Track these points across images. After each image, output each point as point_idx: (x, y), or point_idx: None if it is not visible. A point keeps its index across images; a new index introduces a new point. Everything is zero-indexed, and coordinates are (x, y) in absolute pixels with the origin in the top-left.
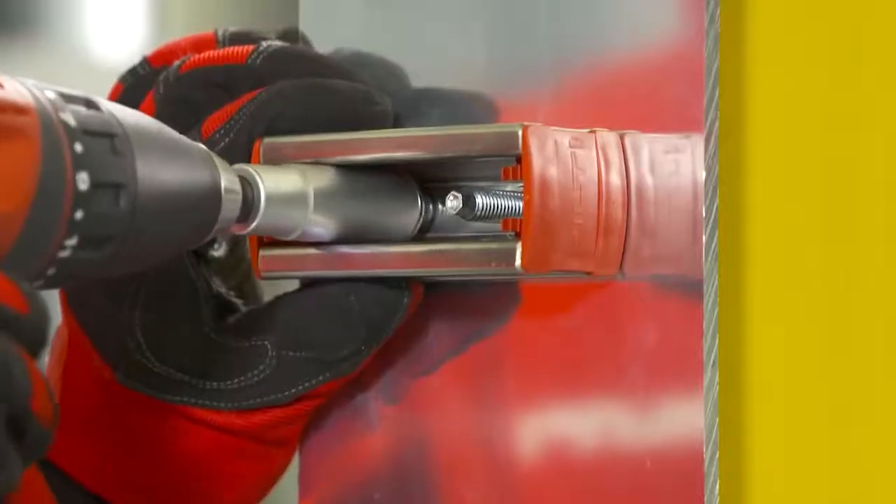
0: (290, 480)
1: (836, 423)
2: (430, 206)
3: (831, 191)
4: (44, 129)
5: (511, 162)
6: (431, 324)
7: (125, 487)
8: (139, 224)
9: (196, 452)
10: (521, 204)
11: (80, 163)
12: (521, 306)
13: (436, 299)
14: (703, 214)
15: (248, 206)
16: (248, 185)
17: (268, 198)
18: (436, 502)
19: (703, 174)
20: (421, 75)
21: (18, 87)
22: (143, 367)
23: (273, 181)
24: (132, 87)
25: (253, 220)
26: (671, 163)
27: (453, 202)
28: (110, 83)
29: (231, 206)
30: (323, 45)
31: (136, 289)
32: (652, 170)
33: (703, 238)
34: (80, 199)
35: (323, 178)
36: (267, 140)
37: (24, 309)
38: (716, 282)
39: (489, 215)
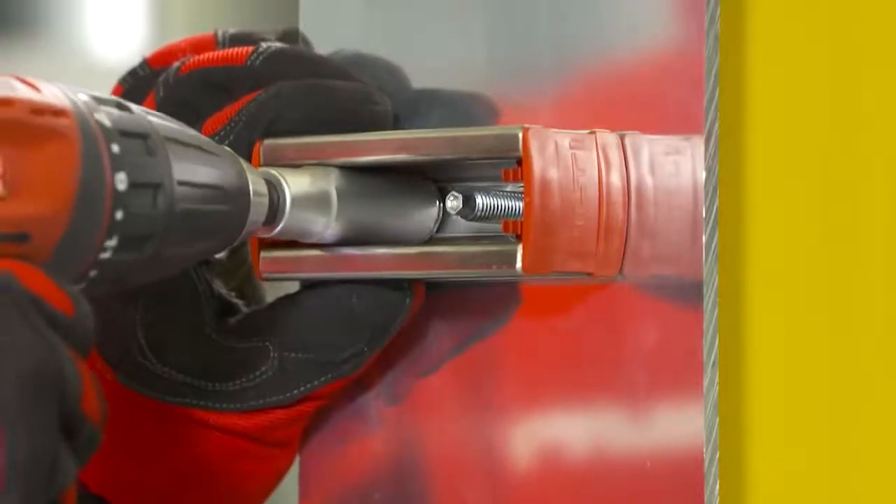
0: (290, 481)
1: (835, 423)
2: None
3: (831, 191)
4: (82, 131)
5: (512, 164)
6: (431, 324)
7: (127, 488)
8: (176, 224)
9: (198, 454)
10: (522, 204)
11: (118, 163)
12: (521, 307)
13: (436, 300)
14: (704, 215)
15: (275, 208)
16: (273, 187)
17: (293, 200)
18: (435, 503)
19: (704, 175)
20: (421, 75)
21: (54, 90)
22: (144, 368)
23: (297, 184)
24: (132, 89)
25: (279, 223)
26: (671, 163)
27: (453, 202)
28: (110, 83)
29: (259, 208)
30: (323, 45)
31: (138, 290)
32: (652, 170)
33: (704, 238)
34: (119, 200)
35: (346, 181)
36: (267, 142)
37: (71, 311)
38: (716, 282)
39: (489, 216)
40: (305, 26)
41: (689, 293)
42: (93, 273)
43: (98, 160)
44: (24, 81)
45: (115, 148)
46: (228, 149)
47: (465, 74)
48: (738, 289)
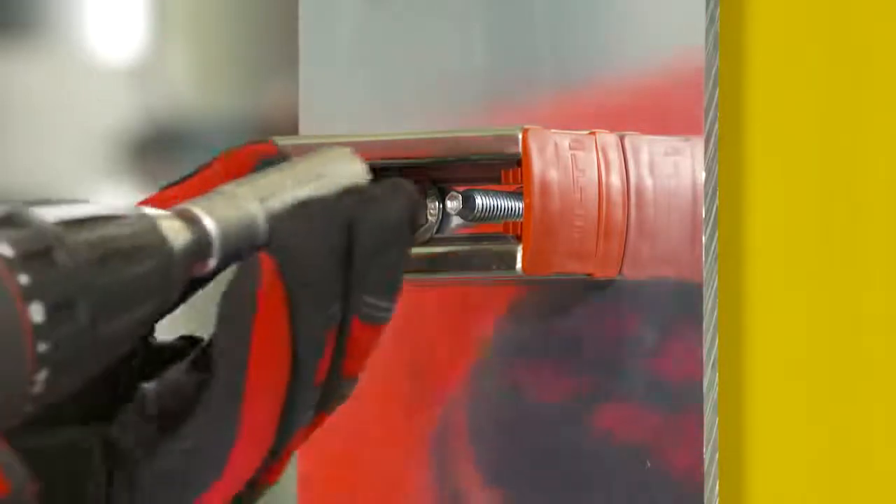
0: (290, 482)
1: (835, 423)
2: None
3: (831, 191)
4: None
5: (512, 164)
6: (431, 324)
7: None
8: (104, 331)
9: None
10: (521, 205)
11: (28, 295)
12: (520, 307)
13: (436, 300)
14: (703, 215)
15: (203, 250)
16: (196, 229)
17: (223, 236)
18: (435, 503)
19: (703, 175)
20: (421, 75)
21: None
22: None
23: (222, 215)
24: None
25: (210, 261)
26: (671, 164)
27: (453, 202)
28: (110, 83)
29: (185, 259)
30: (323, 44)
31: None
32: (652, 171)
33: (703, 239)
34: (39, 333)
35: (280, 199)
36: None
37: (5, 490)
38: (716, 282)
39: (489, 216)
40: (305, 25)
41: (688, 293)
42: (28, 408)
43: (8, 303)
44: None
45: (23, 279)
46: (136, 207)
47: (465, 75)
48: (738, 289)
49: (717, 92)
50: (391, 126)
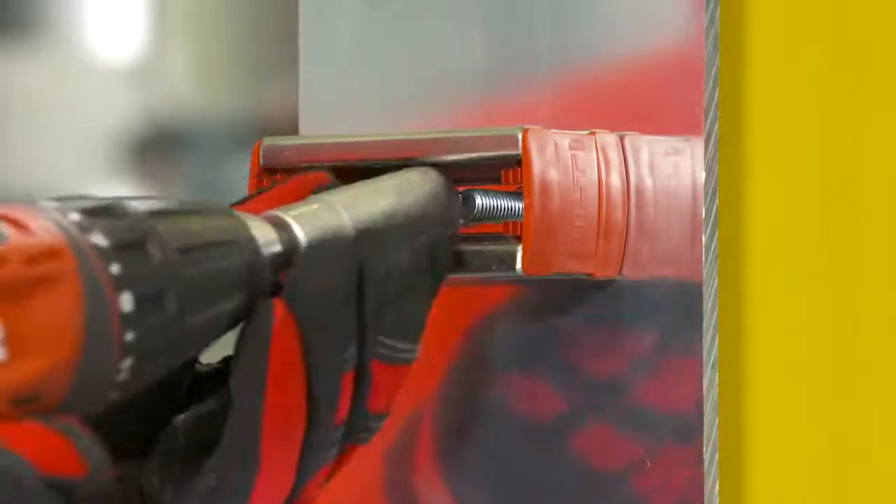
0: None
1: (835, 423)
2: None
3: (831, 191)
4: (80, 266)
5: (512, 165)
6: (431, 324)
7: None
8: (190, 323)
9: None
10: (521, 205)
11: (119, 284)
12: (520, 307)
13: (435, 300)
14: (703, 215)
15: (289, 256)
16: (287, 237)
17: (309, 246)
18: (436, 502)
19: (703, 175)
20: (420, 75)
21: (44, 224)
22: None
23: (310, 226)
24: None
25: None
26: (671, 164)
27: None
28: (110, 83)
29: (274, 266)
30: (323, 44)
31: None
32: (652, 171)
33: (703, 239)
34: (127, 322)
35: (358, 207)
36: (267, 142)
37: (82, 471)
38: (716, 282)
39: (489, 216)
40: (305, 25)
41: (688, 293)
42: (112, 395)
43: (100, 291)
44: (11, 221)
45: (115, 269)
46: (226, 207)
47: (465, 75)
48: (738, 289)
49: (717, 92)
50: (391, 126)
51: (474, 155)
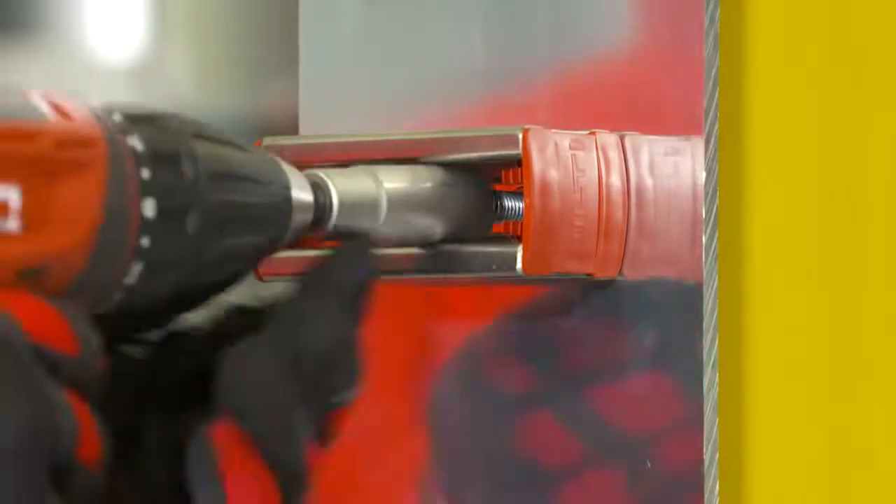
0: None
1: (835, 423)
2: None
3: (831, 191)
4: (111, 159)
5: (512, 164)
6: (431, 324)
7: None
8: (207, 247)
9: None
10: (521, 205)
11: (146, 189)
12: (520, 307)
13: (435, 300)
14: (703, 216)
15: (321, 213)
16: (320, 191)
17: (341, 204)
18: (436, 503)
19: (703, 175)
20: (420, 75)
21: (86, 114)
22: None
23: (345, 186)
24: None
25: (326, 227)
26: (671, 164)
27: None
28: (110, 83)
29: (303, 216)
30: (323, 44)
31: None
32: (652, 171)
33: (703, 239)
34: (146, 227)
35: (395, 180)
36: (267, 142)
37: (74, 351)
38: (716, 283)
39: (509, 216)
40: (305, 25)
41: (688, 293)
42: (117, 296)
43: (124, 189)
44: (56, 107)
45: (146, 173)
46: (270, 154)
47: (465, 75)
48: (738, 289)
49: (717, 92)
50: (391, 126)
51: (474, 155)
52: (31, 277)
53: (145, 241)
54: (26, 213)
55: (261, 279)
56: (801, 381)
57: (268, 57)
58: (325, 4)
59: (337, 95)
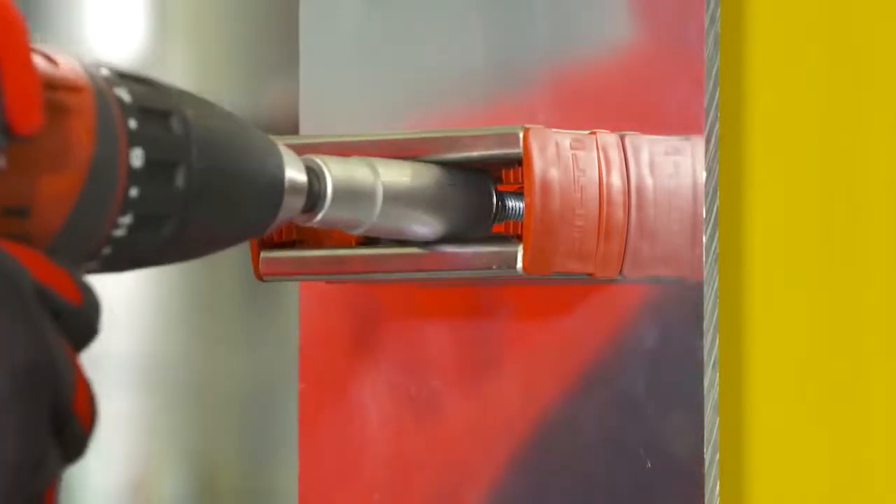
0: (290, 482)
1: (835, 423)
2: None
3: (831, 191)
4: (98, 106)
5: (512, 164)
6: (431, 324)
7: None
8: (196, 206)
9: None
10: (522, 204)
11: (134, 139)
12: (521, 307)
13: (436, 299)
14: (704, 215)
15: (314, 198)
16: (315, 176)
17: (335, 191)
18: (436, 503)
19: (704, 175)
20: (420, 75)
21: (72, 64)
22: None
23: (341, 173)
24: None
25: (318, 213)
26: (671, 164)
27: None
28: None
29: (295, 197)
30: (323, 44)
31: None
32: (652, 171)
33: (704, 239)
34: (134, 176)
35: (394, 173)
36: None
37: (78, 300)
38: (716, 283)
39: (510, 216)
40: (305, 25)
41: (689, 293)
42: (106, 251)
43: (112, 135)
44: (42, 55)
45: (133, 123)
46: (270, 137)
47: (465, 74)
48: (738, 289)
49: (717, 92)
50: (391, 126)
51: (475, 154)
52: (16, 217)
53: (134, 192)
54: (12, 151)
55: (261, 279)
56: (801, 380)
57: (268, 57)
58: (326, 4)
59: (337, 95)
